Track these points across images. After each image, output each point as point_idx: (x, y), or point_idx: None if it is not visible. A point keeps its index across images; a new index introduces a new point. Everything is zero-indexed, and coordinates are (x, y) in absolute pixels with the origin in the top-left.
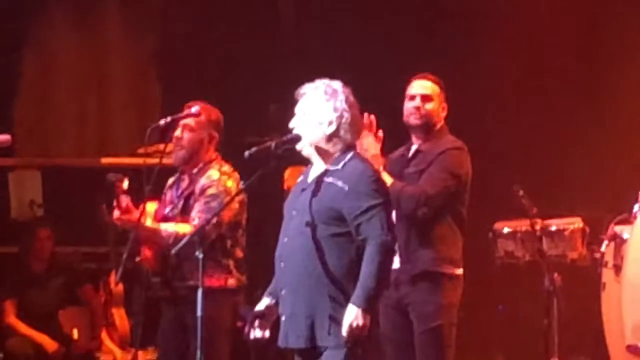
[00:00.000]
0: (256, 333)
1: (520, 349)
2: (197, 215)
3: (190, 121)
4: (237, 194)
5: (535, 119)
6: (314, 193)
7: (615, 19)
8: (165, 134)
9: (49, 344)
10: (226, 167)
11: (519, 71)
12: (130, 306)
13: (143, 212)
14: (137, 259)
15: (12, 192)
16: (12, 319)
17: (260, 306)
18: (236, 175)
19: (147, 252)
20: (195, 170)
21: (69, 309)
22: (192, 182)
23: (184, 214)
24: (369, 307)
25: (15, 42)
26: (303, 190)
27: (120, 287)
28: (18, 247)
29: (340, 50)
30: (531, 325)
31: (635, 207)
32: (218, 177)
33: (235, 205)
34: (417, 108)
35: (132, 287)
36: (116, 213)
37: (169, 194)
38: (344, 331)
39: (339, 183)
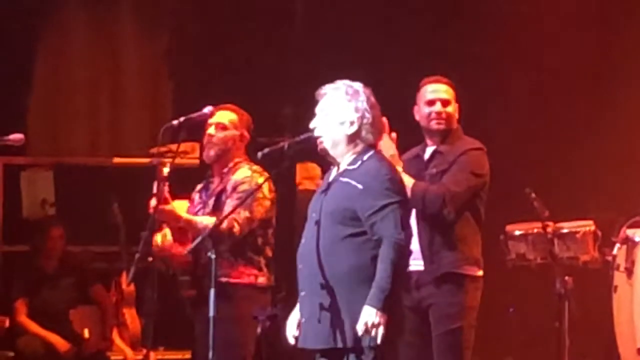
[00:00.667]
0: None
1: (531, 351)
2: (231, 208)
3: (224, 119)
4: (256, 190)
5: (547, 122)
6: (331, 194)
7: (624, 24)
8: (177, 134)
9: (60, 343)
10: (256, 167)
11: (531, 74)
12: (142, 306)
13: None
14: (149, 259)
15: (24, 191)
16: (23, 318)
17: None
18: (266, 174)
19: (178, 249)
20: (225, 170)
21: (80, 308)
22: (223, 180)
23: (215, 211)
24: (383, 307)
25: (27, 42)
26: (323, 191)
27: (132, 287)
28: (29, 246)
29: (352, 51)
30: (542, 327)
31: None
32: (250, 174)
33: (267, 202)
34: (439, 113)
35: (144, 287)
36: (153, 202)
37: (197, 196)
38: (359, 330)
39: (354, 182)
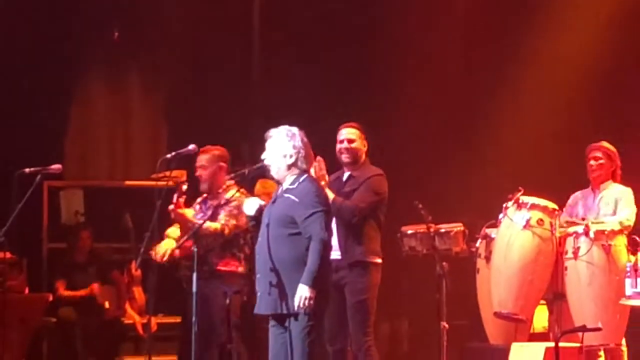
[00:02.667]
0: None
1: (420, 316)
2: (224, 217)
3: (202, 161)
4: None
5: (432, 152)
6: (276, 205)
7: (489, 44)
8: (171, 163)
9: (81, 293)
10: (242, 190)
11: (423, 114)
12: (146, 285)
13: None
14: (152, 253)
15: (62, 205)
16: (62, 292)
17: None
18: (249, 195)
19: (187, 242)
20: (220, 190)
21: (103, 287)
22: (218, 197)
23: (212, 219)
24: (313, 284)
25: (64, 97)
26: (272, 203)
27: (139, 271)
28: (66, 244)
29: (295, 102)
30: (427, 299)
31: (500, 216)
32: (239, 195)
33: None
34: (346, 149)
35: (148, 272)
36: (171, 207)
37: (198, 207)
38: (295, 302)
39: (293, 197)
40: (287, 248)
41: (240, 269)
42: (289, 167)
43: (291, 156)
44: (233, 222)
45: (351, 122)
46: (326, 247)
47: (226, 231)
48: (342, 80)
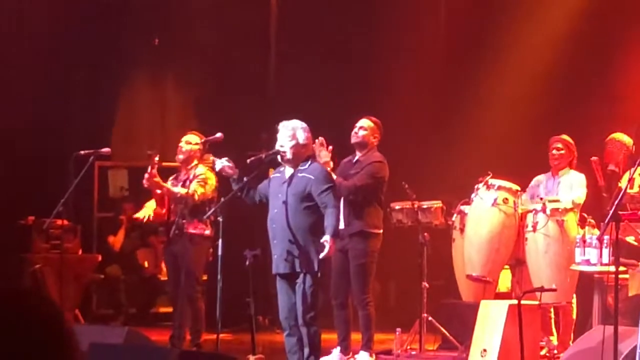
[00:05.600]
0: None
1: (405, 277)
2: (193, 187)
3: (186, 141)
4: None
5: (417, 142)
6: (294, 183)
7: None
8: (203, 148)
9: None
10: (208, 167)
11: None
12: None
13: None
14: (183, 221)
15: (110, 181)
16: (112, 239)
17: None
18: (213, 170)
19: (159, 210)
20: (189, 167)
21: (142, 249)
22: (188, 172)
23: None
24: (336, 235)
25: (113, 92)
26: (284, 182)
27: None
28: (113, 214)
29: (308, 95)
30: (411, 262)
31: (472, 195)
32: (205, 170)
33: (213, 186)
34: (355, 133)
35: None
36: (146, 176)
37: (173, 179)
38: (325, 248)
39: (307, 175)
40: (305, 218)
41: (207, 232)
42: (302, 152)
43: (304, 144)
44: (201, 190)
45: (369, 116)
46: (338, 212)
47: (195, 196)
48: (341, 82)
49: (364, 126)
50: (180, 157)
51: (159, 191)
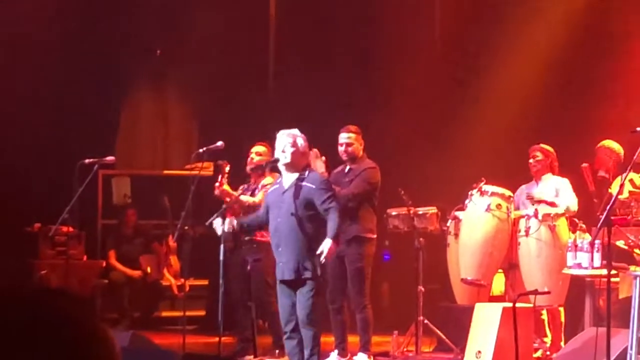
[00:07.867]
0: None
1: (402, 280)
2: (259, 196)
3: (259, 149)
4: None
5: (413, 150)
6: (296, 192)
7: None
8: (202, 156)
9: (134, 273)
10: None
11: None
12: (180, 254)
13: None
14: (186, 227)
15: (114, 189)
16: (113, 261)
17: None
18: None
19: (229, 215)
20: (258, 176)
21: (146, 255)
22: (257, 182)
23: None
24: (336, 239)
25: (117, 102)
26: (284, 192)
27: (175, 243)
28: (117, 220)
29: (303, 106)
30: (407, 267)
31: (466, 201)
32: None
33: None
34: (344, 151)
35: (182, 243)
36: (217, 184)
37: (242, 188)
38: (324, 252)
39: (308, 184)
40: (307, 225)
41: (260, 238)
42: (301, 159)
43: (303, 152)
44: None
45: (349, 125)
46: (339, 216)
47: (257, 205)
48: (340, 89)
49: (348, 141)
50: (251, 167)
51: (228, 199)
